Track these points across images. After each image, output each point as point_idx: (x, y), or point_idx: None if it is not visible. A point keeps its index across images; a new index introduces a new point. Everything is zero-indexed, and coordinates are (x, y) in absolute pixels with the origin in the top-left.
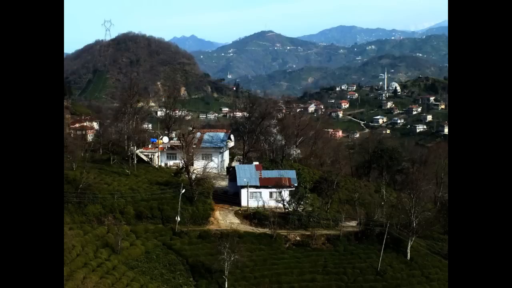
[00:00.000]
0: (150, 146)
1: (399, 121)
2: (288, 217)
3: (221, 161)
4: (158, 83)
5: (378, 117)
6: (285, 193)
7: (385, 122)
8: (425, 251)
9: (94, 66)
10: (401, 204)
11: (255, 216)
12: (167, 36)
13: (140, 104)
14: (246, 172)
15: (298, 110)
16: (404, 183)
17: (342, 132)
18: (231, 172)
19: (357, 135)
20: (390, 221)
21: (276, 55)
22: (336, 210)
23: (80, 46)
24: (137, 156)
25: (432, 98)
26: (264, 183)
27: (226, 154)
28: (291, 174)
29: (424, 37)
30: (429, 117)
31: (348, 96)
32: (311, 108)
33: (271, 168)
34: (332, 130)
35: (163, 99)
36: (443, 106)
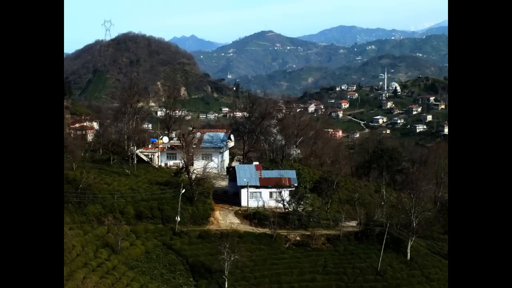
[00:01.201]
0: (150, 146)
1: (399, 121)
2: (288, 217)
3: (221, 161)
4: (158, 83)
5: (378, 117)
6: (285, 193)
7: (385, 122)
8: (425, 251)
9: (94, 66)
10: (401, 204)
11: (255, 216)
12: (167, 36)
13: (140, 104)
14: (246, 172)
15: (298, 110)
16: (404, 183)
17: (342, 132)
18: (231, 172)
19: (357, 135)
20: (390, 221)
21: (276, 55)
22: (336, 210)
23: (80, 46)
24: (137, 156)
25: (432, 98)
26: (264, 183)
27: (226, 154)
28: (291, 174)
29: (424, 37)
30: (429, 117)
31: (348, 96)
32: (311, 108)
33: (271, 168)
34: (332, 130)
35: (163, 99)
36: (443, 106)
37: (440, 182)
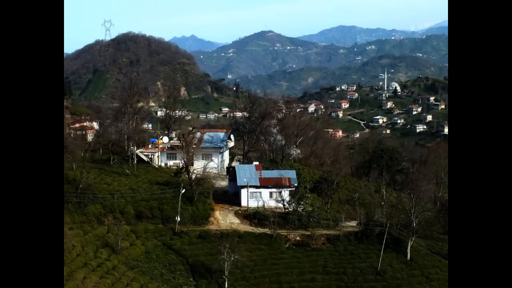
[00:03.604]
0: (150, 146)
1: (399, 121)
2: (288, 217)
3: (221, 161)
4: (158, 83)
5: (378, 117)
6: (285, 193)
7: (385, 122)
8: (425, 251)
9: (94, 66)
10: (401, 204)
11: (255, 216)
12: (167, 36)
13: (140, 104)
14: (246, 172)
15: (298, 110)
16: (404, 183)
17: (342, 132)
18: (231, 172)
19: (357, 135)
20: (390, 221)
21: (276, 55)
22: (336, 210)
23: (80, 46)
24: (137, 156)
25: (432, 98)
26: (264, 183)
27: (226, 154)
28: (291, 174)
29: (424, 37)
30: (429, 117)
31: (348, 96)
32: (311, 108)
33: (271, 168)
34: (332, 130)
35: (163, 99)
36: (443, 106)
37: (440, 182)
